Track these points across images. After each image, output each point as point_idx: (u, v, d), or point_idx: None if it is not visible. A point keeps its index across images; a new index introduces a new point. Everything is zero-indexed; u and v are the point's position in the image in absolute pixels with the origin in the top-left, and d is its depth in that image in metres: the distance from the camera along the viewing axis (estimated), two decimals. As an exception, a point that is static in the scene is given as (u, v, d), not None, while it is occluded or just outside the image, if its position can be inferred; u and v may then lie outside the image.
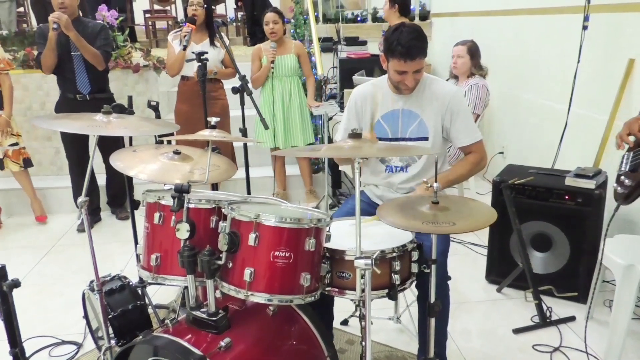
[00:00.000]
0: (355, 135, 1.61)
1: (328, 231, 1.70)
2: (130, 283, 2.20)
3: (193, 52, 2.70)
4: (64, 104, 3.76)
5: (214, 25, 3.64)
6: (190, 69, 3.58)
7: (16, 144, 3.85)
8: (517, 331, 2.57)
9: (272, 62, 3.88)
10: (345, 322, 2.62)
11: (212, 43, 3.63)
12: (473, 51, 3.81)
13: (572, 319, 2.65)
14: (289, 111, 4.05)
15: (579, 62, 3.21)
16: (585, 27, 3.12)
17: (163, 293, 2.91)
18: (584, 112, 3.30)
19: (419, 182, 2.15)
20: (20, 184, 3.99)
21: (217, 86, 3.70)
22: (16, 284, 1.58)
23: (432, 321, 1.79)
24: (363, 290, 1.51)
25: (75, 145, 3.82)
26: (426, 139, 2.14)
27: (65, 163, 4.07)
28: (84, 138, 3.82)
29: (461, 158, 2.27)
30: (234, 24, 8.39)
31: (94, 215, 4.04)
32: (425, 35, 2.05)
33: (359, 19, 6.95)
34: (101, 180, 4.09)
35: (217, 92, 3.69)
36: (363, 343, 1.71)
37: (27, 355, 1.84)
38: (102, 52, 3.64)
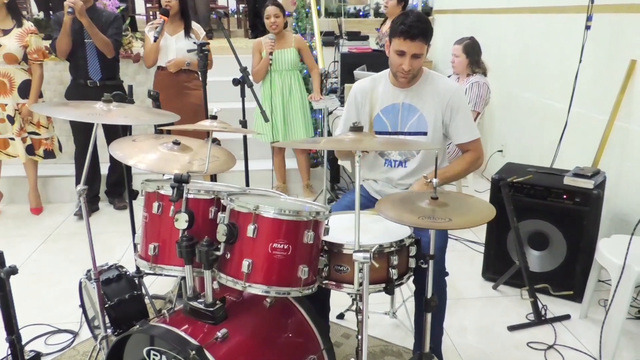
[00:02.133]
0: (356, 128, 1.61)
1: (327, 224, 1.70)
2: (127, 273, 2.20)
3: (195, 43, 2.69)
4: (75, 89, 3.82)
5: (189, 16, 3.64)
6: (164, 59, 3.59)
7: (37, 133, 3.88)
8: (512, 328, 2.58)
9: (271, 54, 3.87)
10: (341, 316, 2.63)
11: (187, 34, 3.62)
12: (469, 50, 3.81)
13: (567, 317, 2.66)
14: (289, 105, 4.04)
15: (580, 61, 3.21)
16: (588, 27, 3.12)
17: (159, 284, 2.91)
18: (584, 111, 3.30)
19: (418, 177, 2.15)
20: (26, 172, 4.00)
21: (192, 77, 3.71)
22: (13, 270, 1.57)
23: (429, 316, 1.80)
24: (361, 284, 1.51)
25: (82, 132, 3.84)
26: (425, 133, 2.14)
27: (63, 152, 4.06)
28: (92, 125, 3.81)
29: (459, 155, 2.28)
30: (235, 16, 8.37)
31: (92, 204, 4.05)
32: (431, 24, 2.06)
33: (361, 13, 6.94)
34: (105, 169, 4.09)
35: (192, 83, 3.70)
36: (359, 336, 1.72)
37: (23, 342, 1.84)
38: (113, 40, 3.70)
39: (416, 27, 1.98)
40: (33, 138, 3.88)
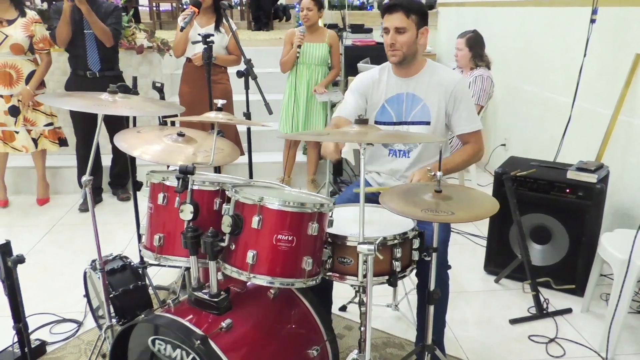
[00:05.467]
0: (361, 121, 1.61)
1: (330, 216, 1.71)
2: (132, 263, 2.21)
3: (199, 35, 2.69)
4: (74, 81, 3.82)
5: (221, 10, 3.61)
6: (191, 52, 3.58)
7: (51, 124, 3.92)
8: (513, 322, 2.59)
9: (299, 47, 3.87)
10: (343, 308, 2.64)
11: (217, 28, 3.61)
12: (472, 43, 3.80)
13: (568, 311, 2.67)
14: (312, 99, 4.03)
15: (585, 55, 3.20)
16: (593, 21, 3.11)
17: (163, 275, 2.92)
18: (588, 105, 3.30)
19: (420, 168, 2.15)
20: (35, 163, 4.03)
21: (218, 70, 3.69)
22: (20, 259, 1.59)
23: (431, 309, 1.81)
24: (365, 276, 1.52)
25: (84, 124, 3.85)
26: (428, 123, 2.15)
27: (69, 142, 4.07)
28: (94, 116, 3.83)
29: (460, 147, 2.28)
30: (239, 8, 8.35)
31: (95, 195, 4.06)
32: (417, 1, 2.11)
33: (368, 8, 6.91)
34: (106, 161, 4.09)
35: (218, 76, 3.68)
36: (362, 328, 1.73)
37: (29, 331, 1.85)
38: (112, 29, 3.69)
39: (394, 1, 2.05)
40: (49, 130, 3.90)
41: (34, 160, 4.02)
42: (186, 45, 3.58)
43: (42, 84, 3.85)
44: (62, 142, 4.04)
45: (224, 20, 3.55)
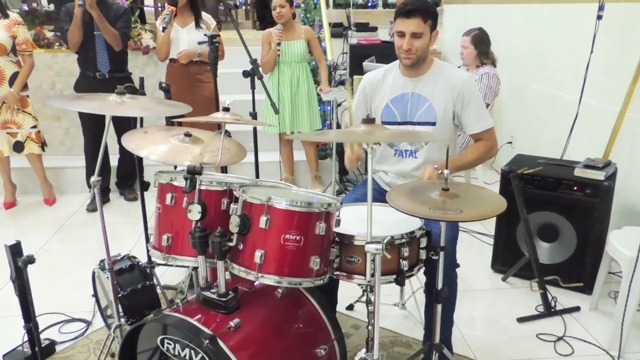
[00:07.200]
0: (368, 120, 1.61)
1: (338, 216, 1.71)
2: (140, 263, 2.22)
3: (205, 35, 2.70)
4: (84, 82, 3.84)
5: (198, 7, 3.62)
6: (176, 51, 3.60)
7: (35, 126, 3.91)
8: (521, 320, 2.59)
9: (279, 44, 3.86)
10: (350, 307, 2.64)
11: (197, 25, 3.62)
12: (477, 41, 3.78)
13: (576, 309, 2.66)
14: (297, 97, 4.03)
15: (592, 52, 3.18)
16: (599, 17, 3.09)
17: (170, 275, 2.94)
18: (595, 102, 3.28)
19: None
20: (32, 166, 4.04)
21: (204, 69, 3.68)
22: (31, 260, 1.60)
23: (439, 307, 1.81)
24: (372, 275, 1.52)
25: (92, 125, 3.87)
26: (434, 124, 2.14)
27: (75, 143, 4.10)
28: (102, 118, 3.86)
29: (471, 145, 2.27)
30: (244, 7, 8.36)
31: (103, 196, 4.06)
32: (432, 5, 2.07)
33: (369, 4, 6.90)
34: (113, 161, 4.11)
35: (204, 75, 3.68)
36: (370, 327, 1.74)
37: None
38: (122, 33, 3.72)
39: (411, 4, 2.01)
40: (35, 132, 3.87)
41: (30, 163, 4.01)
42: (169, 46, 3.59)
43: (25, 86, 3.82)
44: (43, 146, 3.98)
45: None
